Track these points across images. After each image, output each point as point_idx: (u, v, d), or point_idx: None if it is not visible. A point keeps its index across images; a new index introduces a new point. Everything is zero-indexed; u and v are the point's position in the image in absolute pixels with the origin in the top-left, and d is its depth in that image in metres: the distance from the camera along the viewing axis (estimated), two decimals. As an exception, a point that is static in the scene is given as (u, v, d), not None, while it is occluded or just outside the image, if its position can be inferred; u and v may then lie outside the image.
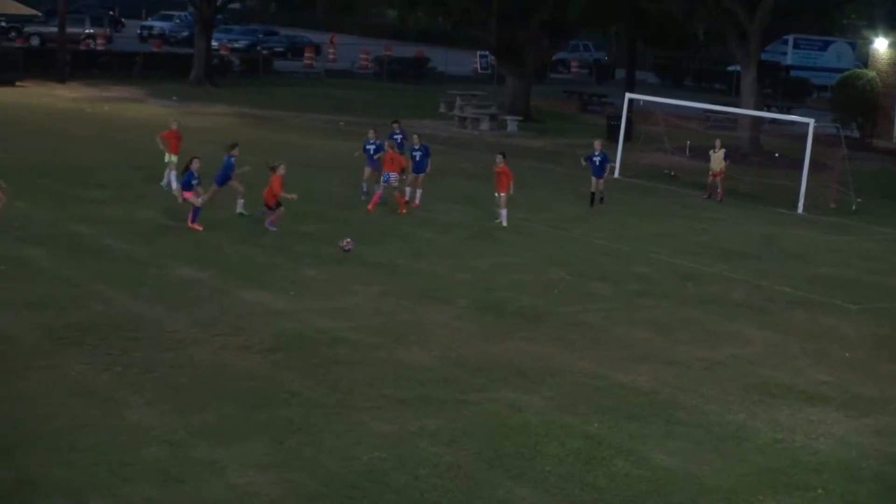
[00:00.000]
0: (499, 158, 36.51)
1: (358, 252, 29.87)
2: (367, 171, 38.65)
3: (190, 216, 32.00)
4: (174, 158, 36.88)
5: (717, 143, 46.46)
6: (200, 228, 31.68)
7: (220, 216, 33.72)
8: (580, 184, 39.68)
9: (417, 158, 38.57)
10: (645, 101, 56.48)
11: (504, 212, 36.15)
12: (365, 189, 38.55)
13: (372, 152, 38.75)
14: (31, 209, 33.23)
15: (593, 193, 41.28)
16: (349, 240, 18.49)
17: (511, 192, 36.06)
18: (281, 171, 32.66)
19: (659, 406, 20.85)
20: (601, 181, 41.17)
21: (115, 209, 34.02)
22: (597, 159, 40.86)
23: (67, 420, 18.28)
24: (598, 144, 41.63)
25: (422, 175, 38.71)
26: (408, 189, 38.46)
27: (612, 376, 22.28)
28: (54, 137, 48.66)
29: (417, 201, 38.53)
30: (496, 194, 36.46)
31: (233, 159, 33.88)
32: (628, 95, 53.71)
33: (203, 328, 23.42)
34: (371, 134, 39.72)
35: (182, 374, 20.76)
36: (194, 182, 31.99)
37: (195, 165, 31.92)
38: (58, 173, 39.82)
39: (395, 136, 39.74)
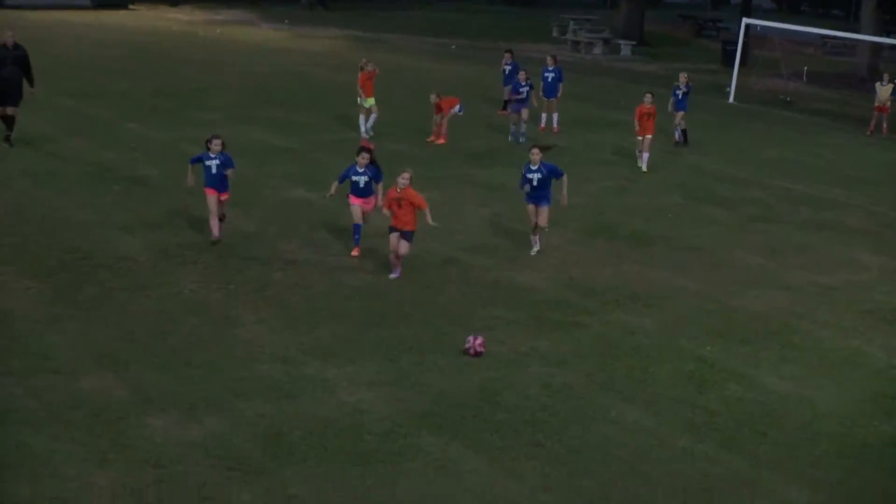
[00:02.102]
0: (648, 98, 33.47)
1: (466, 174, 29.77)
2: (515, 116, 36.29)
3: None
4: (370, 102, 35.07)
5: (886, 76, 43.77)
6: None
7: (335, 137, 33.80)
8: (693, 110, 39.14)
9: (549, 80, 38.02)
10: (761, 27, 55.50)
11: (647, 155, 33.63)
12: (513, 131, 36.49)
13: (506, 73, 39.12)
14: (146, 130, 33.52)
15: (681, 130, 37.82)
16: (481, 340, 17.70)
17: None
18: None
19: (772, 331, 20.64)
20: (681, 115, 37.28)
21: (226, 130, 34.17)
22: (679, 93, 37.04)
23: (182, 337, 18.48)
24: (683, 78, 37.65)
25: (554, 99, 38.30)
26: (543, 115, 38.16)
27: (725, 300, 22.08)
28: (168, 60, 48.96)
29: (556, 125, 38.30)
30: (639, 137, 33.68)
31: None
32: (745, 20, 52.84)
33: (315, 249, 23.52)
34: (507, 57, 39.79)
35: (294, 293, 20.88)
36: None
37: None
38: (171, 95, 40.09)
39: (506, 66, 39.52)
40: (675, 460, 15.37)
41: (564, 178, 23.87)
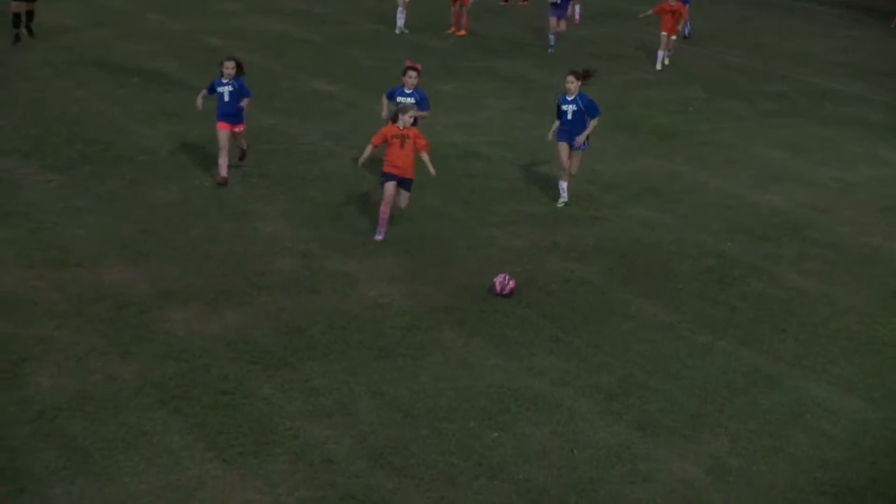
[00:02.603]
0: None
1: (492, 69, 29.68)
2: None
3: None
4: None
5: None
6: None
7: (357, 29, 33.63)
8: (713, 4, 38.67)
9: None
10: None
11: (661, 54, 32.94)
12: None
13: None
14: (166, 21, 33.37)
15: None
16: (512, 284, 16.46)
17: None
18: None
19: (793, 226, 20.62)
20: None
21: (246, 22, 34.02)
22: None
23: (203, 230, 18.51)
24: None
25: None
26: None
27: (745, 195, 22.04)
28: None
29: (578, 17, 38.06)
30: (662, 33, 32.95)
31: None
32: None
33: (336, 141, 23.49)
34: None
35: (315, 186, 20.87)
36: None
37: None
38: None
39: None
40: (695, 356, 15.42)
41: (596, 120, 20.67)
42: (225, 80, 20.31)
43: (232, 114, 20.40)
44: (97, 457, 12.14)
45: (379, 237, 18.56)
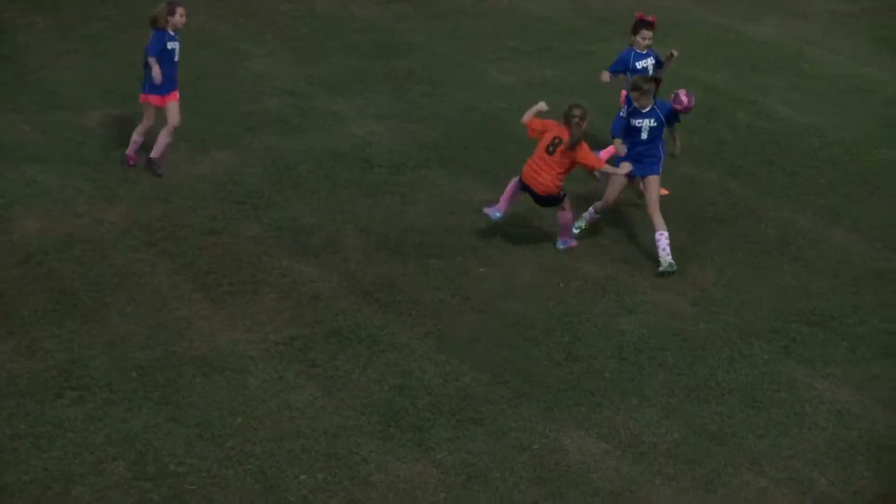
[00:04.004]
0: None
1: None
2: None
3: None
4: None
5: None
6: None
7: None
8: None
9: None
10: None
11: None
12: None
13: None
14: None
15: None
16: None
17: None
18: None
19: (784, 58, 20.50)
20: None
21: None
22: None
23: (190, 70, 18.31)
24: None
25: None
26: None
27: (740, 28, 21.88)
28: None
29: None
30: None
31: None
32: None
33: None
34: None
35: (303, 24, 20.73)
36: None
37: None
38: None
39: None
40: (683, 188, 15.42)
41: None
42: (172, 33, 15.16)
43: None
44: (85, 299, 12.24)
45: (492, 212, 13.78)
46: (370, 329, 12.04)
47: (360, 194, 14.86)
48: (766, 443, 10.54)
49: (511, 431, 10.51)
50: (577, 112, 13.25)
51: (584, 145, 13.44)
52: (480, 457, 10.15)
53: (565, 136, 13.30)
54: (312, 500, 9.57)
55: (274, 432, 10.30)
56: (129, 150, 15.10)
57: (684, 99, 13.84)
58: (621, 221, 14.53)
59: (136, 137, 15.08)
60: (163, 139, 14.98)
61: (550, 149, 13.39)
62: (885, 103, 18.80)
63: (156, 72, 14.60)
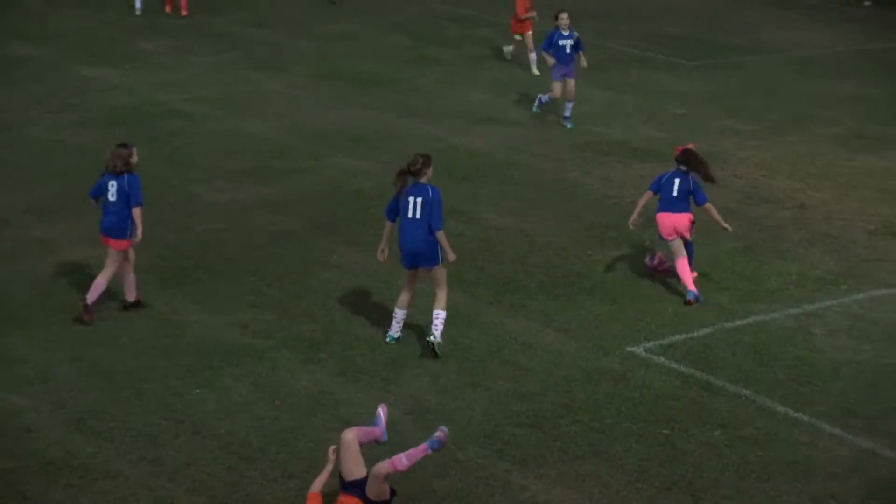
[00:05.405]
0: None
1: (197, 23, 29.48)
2: None
3: None
4: None
5: None
6: None
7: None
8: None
9: None
10: None
11: None
12: None
13: None
14: None
15: None
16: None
17: None
18: None
19: (493, 167, 21.02)
20: None
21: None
22: None
23: None
24: None
25: None
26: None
27: (448, 139, 22.37)
28: None
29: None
30: None
31: None
32: None
33: (37, 104, 23.11)
34: None
35: (12, 152, 20.51)
36: None
37: None
38: None
39: None
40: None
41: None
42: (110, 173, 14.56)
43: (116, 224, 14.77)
44: None
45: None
46: (82, 458, 11.94)
47: (72, 322, 14.68)
48: (481, 549, 10.70)
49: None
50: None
51: None
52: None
53: None
54: None
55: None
56: None
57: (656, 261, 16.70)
58: (337, 333, 14.65)
59: None
60: None
61: None
62: (589, 207, 19.29)
63: None
